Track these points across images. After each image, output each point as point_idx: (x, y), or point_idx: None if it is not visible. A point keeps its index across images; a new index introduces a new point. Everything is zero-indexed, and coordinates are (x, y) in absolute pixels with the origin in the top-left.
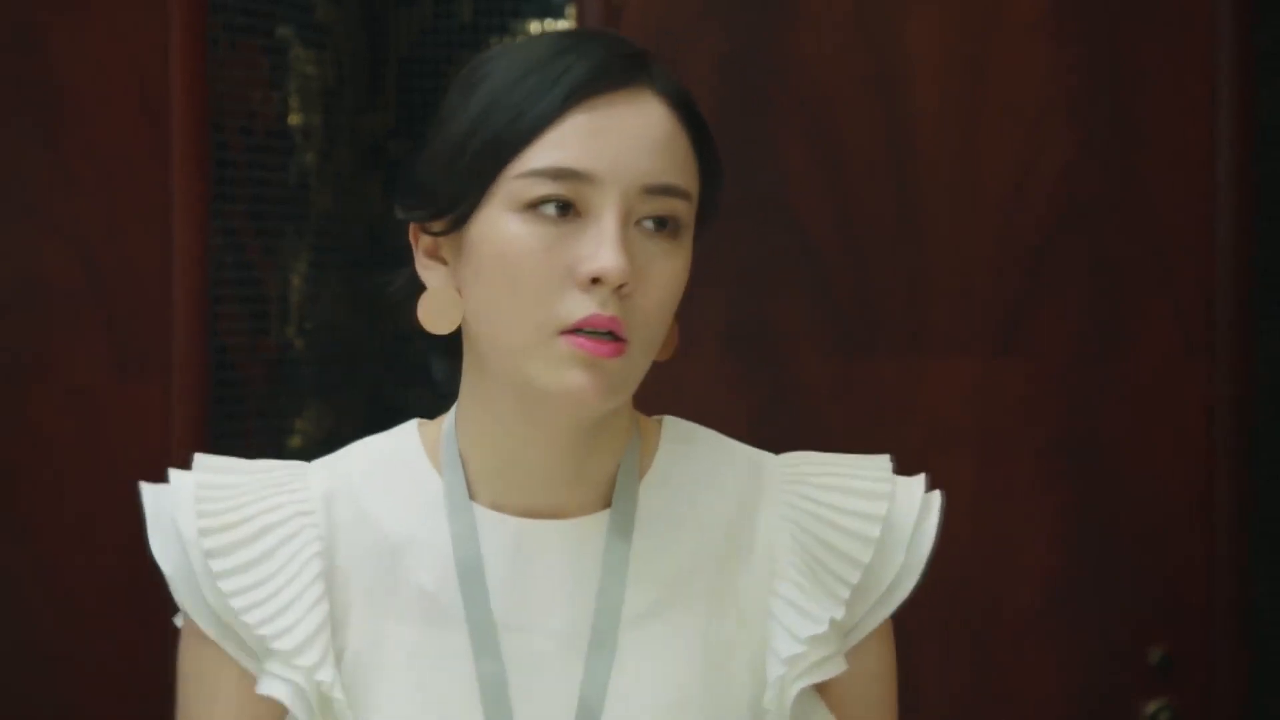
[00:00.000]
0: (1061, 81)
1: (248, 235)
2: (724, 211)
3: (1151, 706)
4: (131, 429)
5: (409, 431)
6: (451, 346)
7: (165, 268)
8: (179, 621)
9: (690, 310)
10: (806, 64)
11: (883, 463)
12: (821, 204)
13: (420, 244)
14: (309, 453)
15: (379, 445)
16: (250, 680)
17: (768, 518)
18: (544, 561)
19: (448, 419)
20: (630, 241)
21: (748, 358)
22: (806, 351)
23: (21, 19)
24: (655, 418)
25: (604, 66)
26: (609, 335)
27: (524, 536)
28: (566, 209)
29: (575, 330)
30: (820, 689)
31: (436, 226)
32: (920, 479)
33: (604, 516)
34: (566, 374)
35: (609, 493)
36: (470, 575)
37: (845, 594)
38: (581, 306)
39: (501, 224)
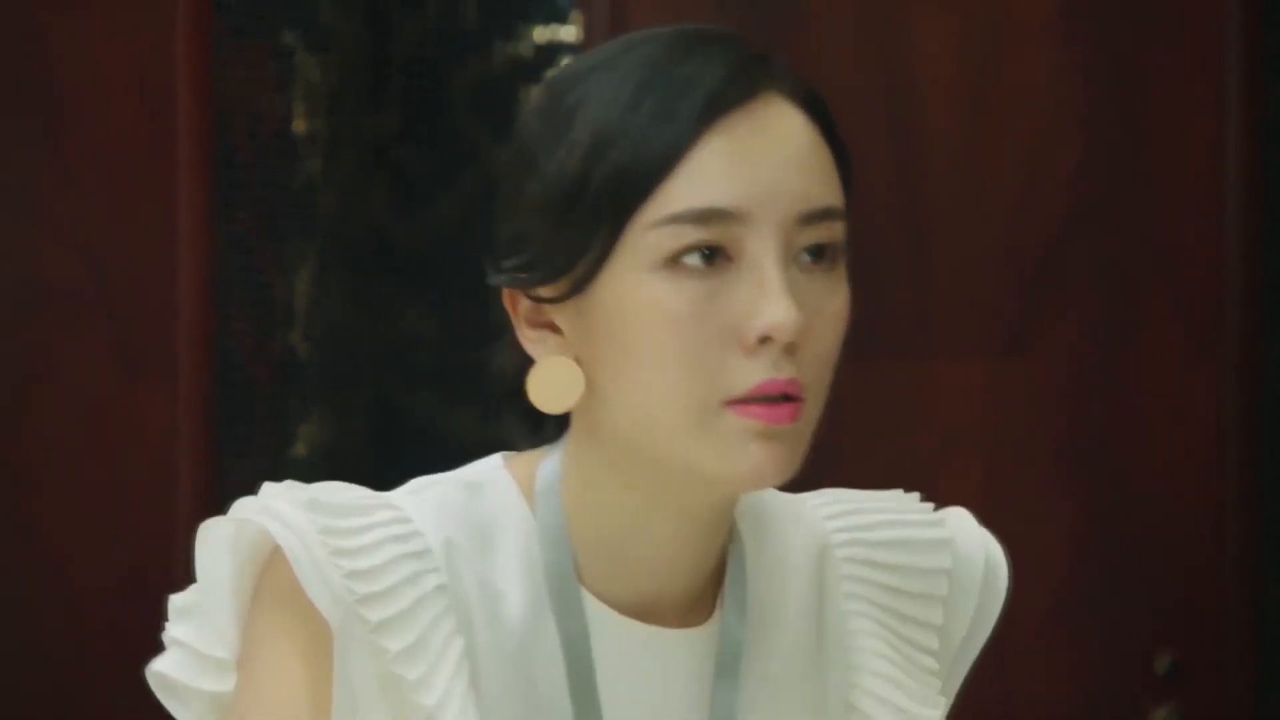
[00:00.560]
0: (1069, 85)
1: (253, 239)
2: None
3: (1160, 713)
4: (136, 433)
5: (504, 482)
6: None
7: (170, 271)
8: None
9: None
10: (813, 68)
11: (923, 505)
12: None
13: (520, 311)
14: (314, 458)
15: (479, 501)
16: None
17: (833, 593)
18: (660, 674)
19: (545, 476)
20: (792, 283)
21: None
22: None
23: (24, 20)
24: None
25: (732, 75)
26: (784, 397)
27: (641, 644)
28: (714, 255)
29: (745, 399)
30: None
31: (548, 292)
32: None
33: (717, 621)
34: (741, 452)
35: (716, 580)
36: (582, 685)
37: (933, 665)
38: (751, 373)
39: (638, 285)
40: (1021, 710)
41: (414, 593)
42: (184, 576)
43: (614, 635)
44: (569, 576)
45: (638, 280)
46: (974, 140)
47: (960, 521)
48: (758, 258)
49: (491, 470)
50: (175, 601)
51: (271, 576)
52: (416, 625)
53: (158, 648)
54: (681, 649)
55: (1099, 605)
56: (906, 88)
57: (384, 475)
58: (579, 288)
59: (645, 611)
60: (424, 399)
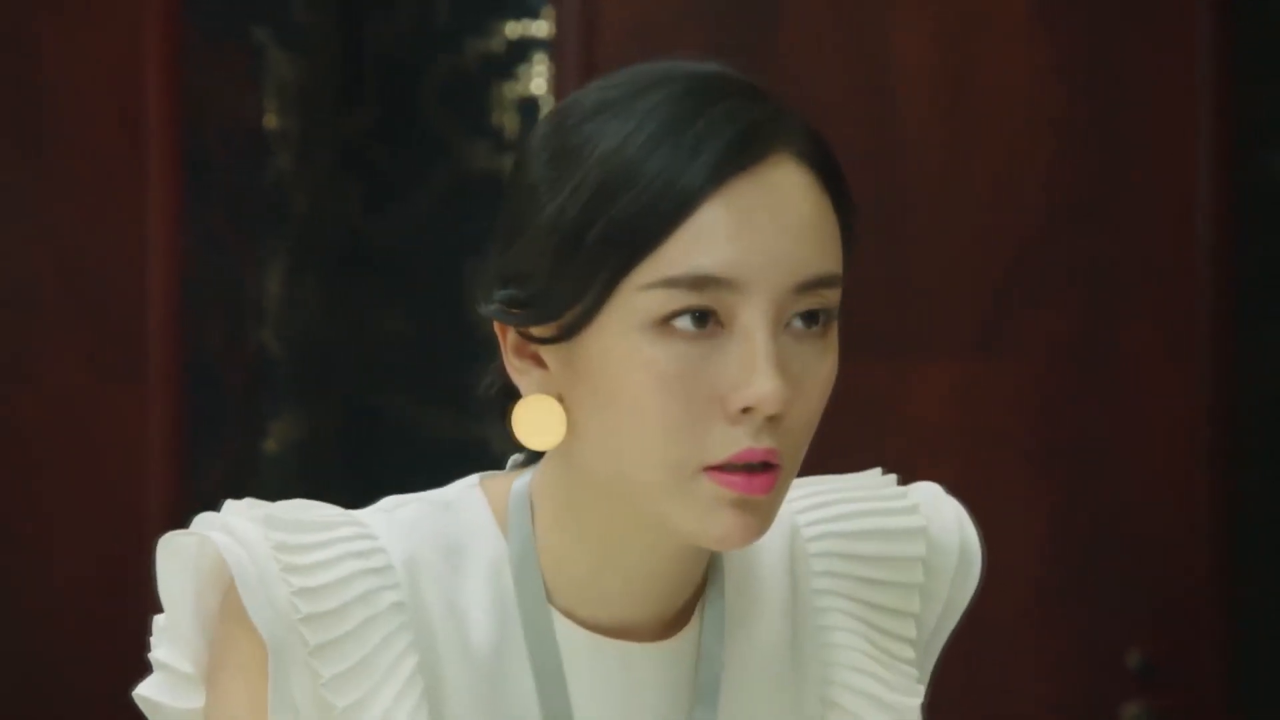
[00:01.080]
0: (1044, 85)
1: (225, 237)
2: None
3: (1131, 709)
4: (109, 432)
5: (476, 504)
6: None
7: (141, 269)
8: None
9: None
10: (789, 66)
11: (897, 489)
12: None
13: (509, 340)
14: (286, 456)
15: (450, 520)
16: None
17: (806, 589)
18: (635, 690)
19: (516, 498)
20: (781, 350)
21: None
22: None
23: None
24: None
25: (744, 136)
26: (762, 465)
27: (613, 661)
28: (705, 319)
29: (721, 465)
30: None
31: (537, 332)
32: (937, 490)
33: (694, 631)
34: (713, 517)
35: (695, 593)
36: (554, 704)
37: (910, 654)
38: (731, 441)
39: (627, 343)
40: (994, 706)
41: (364, 612)
42: (154, 574)
43: (585, 654)
44: (539, 597)
45: (627, 338)
46: (949, 141)
47: (934, 502)
48: (749, 327)
49: (465, 490)
50: (158, 621)
51: (229, 592)
52: (361, 647)
53: (130, 643)
54: (656, 663)
55: (1072, 602)
56: (882, 88)
57: (356, 473)
58: (568, 335)
59: (618, 629)
60: (396, 397)
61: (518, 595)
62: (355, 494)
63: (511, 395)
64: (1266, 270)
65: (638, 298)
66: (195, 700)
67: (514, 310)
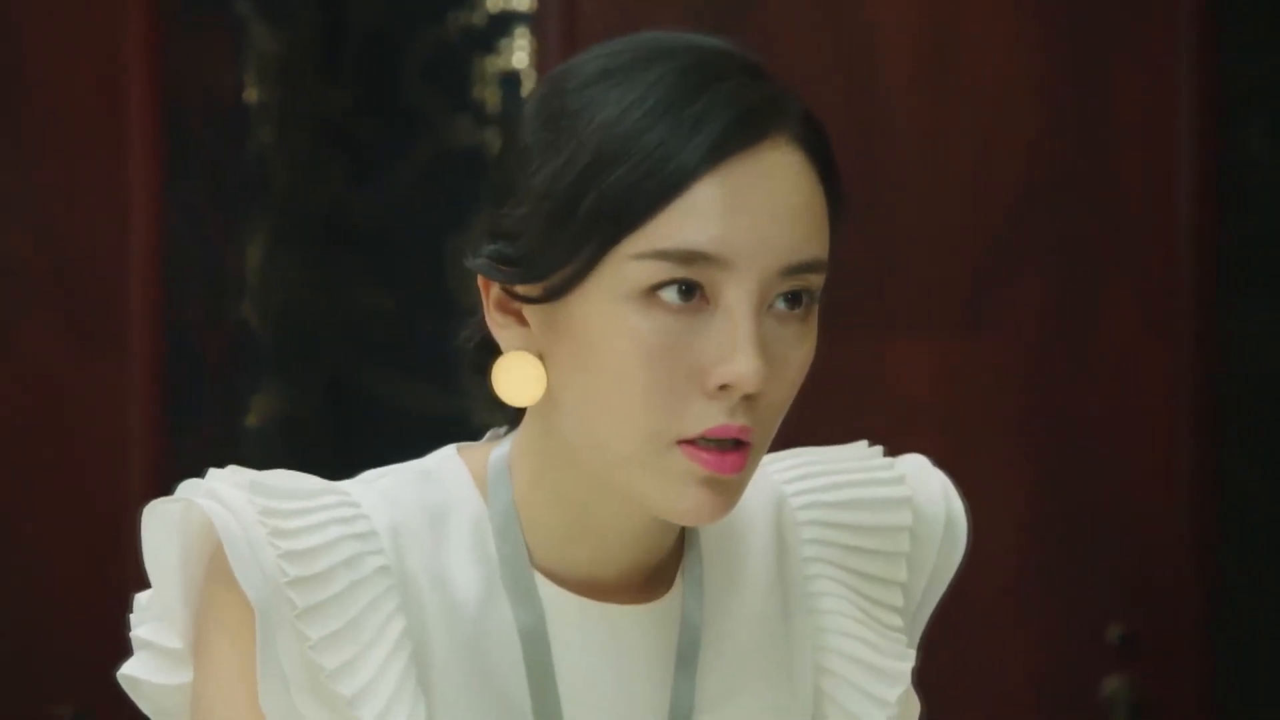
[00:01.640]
0: (1025, 60)
1: (205, 211)
2: None
3: (1111, 683)
4: (89, 407)
5: (457, 469)
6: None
7: (121, 243)
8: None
9: None
10: (769, 41)
11: (884, 460)
12: None
13: (491, 295)
14: (267, 430)
15: (431, 487)
16: None
17: (794, 557)
18: (618, 651)
19: (495, 464)
20: (763, 330)
21: None
22: None
23: None
24: None
25: (745, 115)
26: (733, 444)
27: (596, 622)
28: (691, 293)
29: (694, 440)
30: None
31: (522, 290)
32: (923, 461)
33: (677, 595)
34: (683, 491)
35: (675, 553)
36: (538, 665)
37: (899, 622)
38: (707, 416)
39: (612, 311)
40: (975, 680)
41: (351, 575)
42: (136, 548)
43: (569, 615)
44: (521, 560)
45: (612, 306)
46: (930, 116)
47: (920, 473)
48: (734, 305)
49: (444, 459)
50: (139, 600)
51: (215, 557)
52: (349, 609)
53: (113, 620)
54: (639, 625)
55: (1053, 577)
56: (863, 62)
57: (337, 447)
58: (553, 296)
59: (600, 590)
60: (377, 371)
61: (500, 557)
62: (337, 468)
63: (489, 350)
64: (1246, 245)
65: (626, 266)
66: (181, 675)
67: (501, 266)
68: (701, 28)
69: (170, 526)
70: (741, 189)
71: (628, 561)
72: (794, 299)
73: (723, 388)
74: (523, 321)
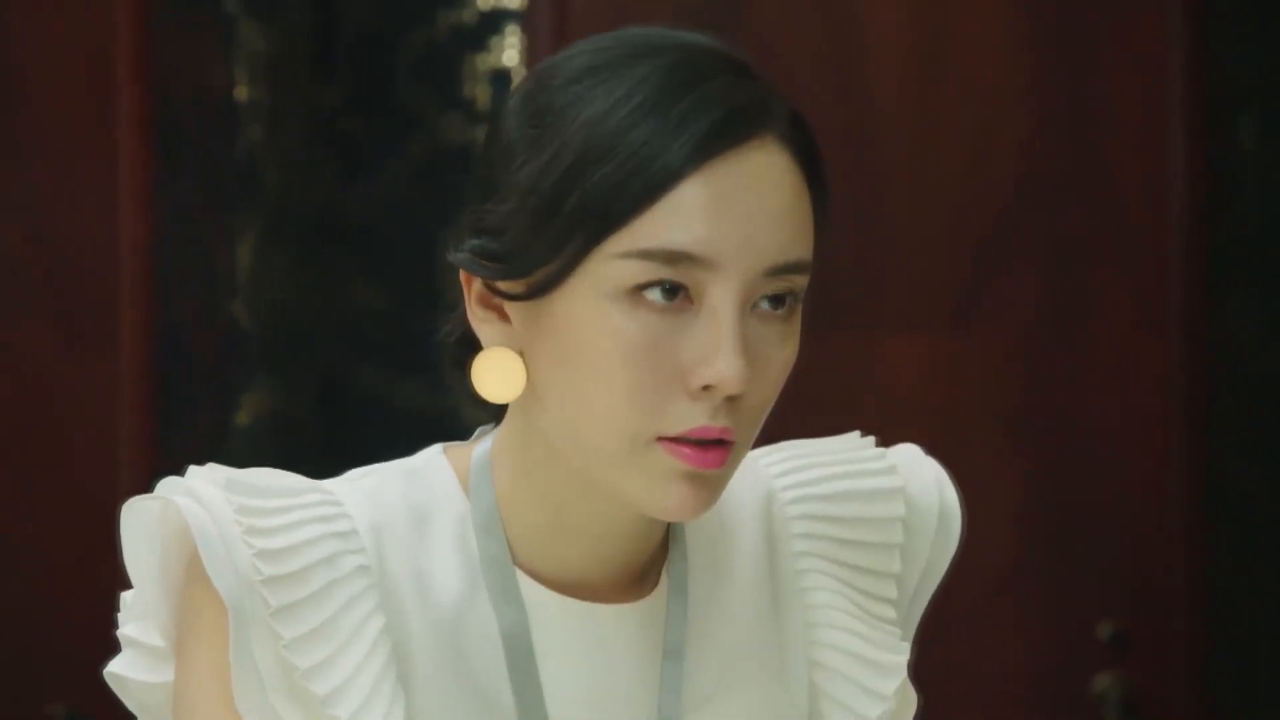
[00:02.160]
0: (1017, 58)
1: (196, 208)
2: None
3: (1102, 680)
4: (79, 404)
5: (441, 468)
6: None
7: (112, 240)
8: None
9: None
10: (761, 39)
11: (876, 450)
12: None
13: (474, 289)
14: (258, 428)
15: (414, 486)
16: None
17: (785, 551)
18: (603, 651)
19: (478, 462)
20: (745, 331)
21: None
22: None
23: None
24: None
25: (732, 115)
26: (716, 442)
27: (580, 622)
28: (675, 293)
29: (677, 439)
30: None
31: (506, 287)
32: (916, 451)
33: (662, 594)
34: (664, 488)
35: (661, 551)
36: (521, 665)
37: (892, 614)
38: (689, 416)
39: (596, 309)
40: (965, 677)
41: (328, 574)
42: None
43: (552, 615)
44: (504, 559)
45: (596, 304)
46: (922, 112)
47: (912, 463)
48: (718, 306)
49: (428, 458)
50: (125, 598)
51: (193, 557)
52: (325, 608)
53: (102, 617)
54: (624, 624)
55: (1044, 574)
56: (855, 59)
57: (328, 446)
58: (536, 293)
59: (584, 589)
60: (369, 369)
61: (482, 555)
62: (327, 466)
63: (469, 346)
64: (1238, 242)
65: (610, 265)
66: (166, 673)
67: (484, 262)
68: (693, 25)
69: (149, 525)
70: (727, 189)
71: (612, 559)
72: (778, 300)
73: (705, 388)
74: (504, 317)
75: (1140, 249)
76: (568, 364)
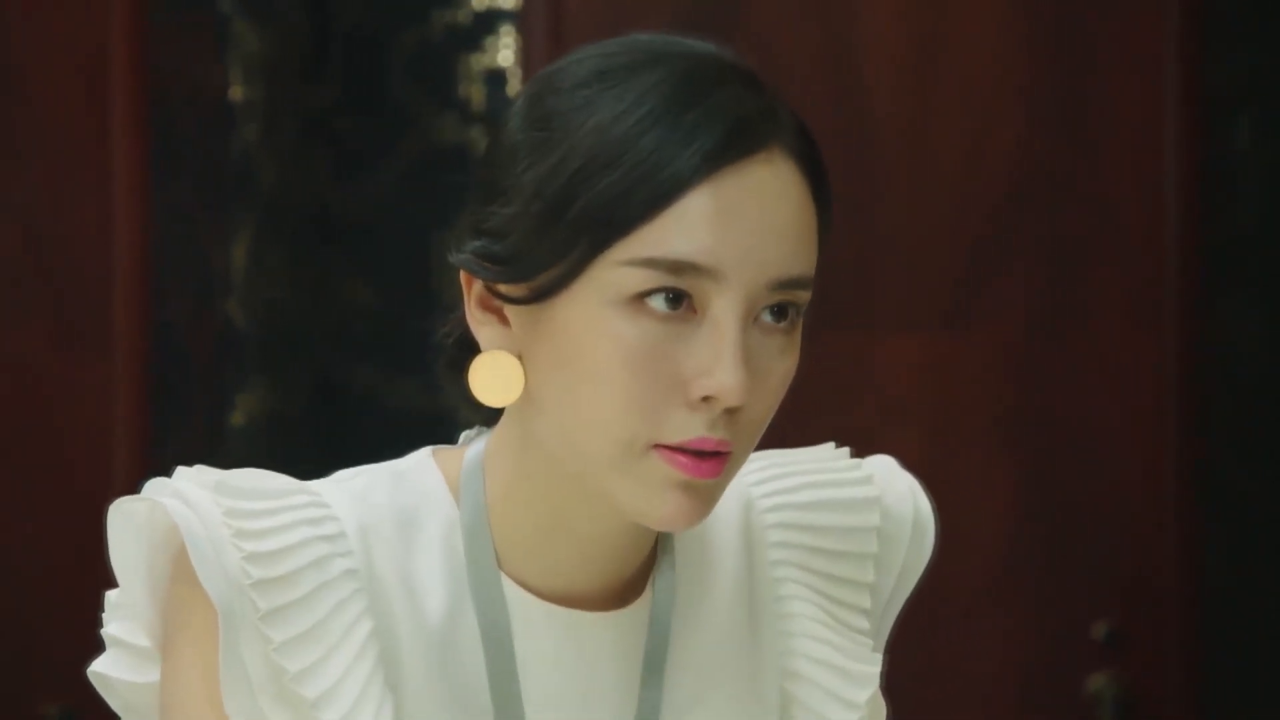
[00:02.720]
0: (1012, 58)
1: (191, 208)
2: None
3: (1097, 679)
4: (73, 404)
5: (429, 472)
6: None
7: (106, 240)
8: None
9: None
10: (756, 40)
11: (851, 461)
12: None
13: (473, 291)
14: (252, 428)
15: (403, 489)
16: None
17: (761, 560)
18: (584, 659)
19: (468, 464)
20: (748, 343)
21: None
22: None
23: None
24: None
25: (741, 126)
26: (713, 453)
27: (563, 629)
28: (678, 301)
29: (674, 448)
30: None
31: (508, 290)
32: (891, 462)
33: (645, 603)
34: (659, 497)
35: (646, 561)
36: (501, 671)
37: (866, 625)
38: (687, 427)
39: (598, 316)
40: (960, 677)
41: (317, 577)
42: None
43: (536, 622)
44: (489, 564)
45: (598, 310)
46: (917, 112)
47: (887, 474)
48: (720, 317)
49: (418, 461)
50: (110, 597)
51: (180, 558)
52: (313, 613)
53: (94, 617)
54: (607, 632)
55: (1038, 573)
56: (852, 59)
57: (323, 445)
58: (538, 297)
59: (570, 597)
60: (363, 368)
61: (468, 560)
62: (322, 466)
63: (468, 348)
64: (1234, 243)
65: (614, 272)
66: (151, 673)
67: (486, 264)
68: (688, 26)
69: (136, 525)
70: (734, 200)
71: (601, 567)
72: (780, 312)
73: (705, 399)
74: (504, 320)
75: (1137, 249)
76: (567, 368)
